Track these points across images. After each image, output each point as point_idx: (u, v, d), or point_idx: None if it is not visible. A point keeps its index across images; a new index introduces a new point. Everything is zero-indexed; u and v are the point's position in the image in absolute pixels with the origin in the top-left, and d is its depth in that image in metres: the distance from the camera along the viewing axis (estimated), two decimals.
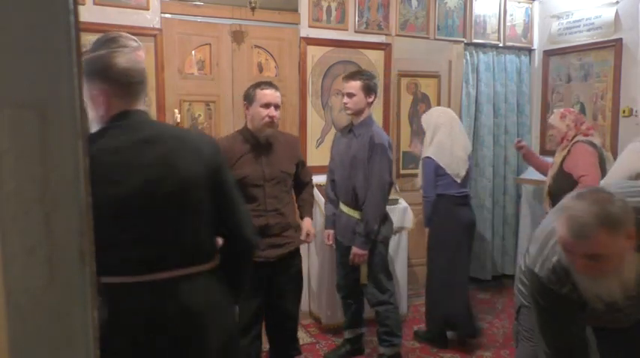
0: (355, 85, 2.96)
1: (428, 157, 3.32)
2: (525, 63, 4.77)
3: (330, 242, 3.19)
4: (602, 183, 2.63)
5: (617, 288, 1.48)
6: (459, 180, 3.29)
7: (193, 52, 3.59)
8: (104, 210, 1.31)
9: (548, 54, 4.62)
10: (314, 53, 3.92)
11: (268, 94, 2.60)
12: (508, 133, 4.70)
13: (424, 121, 3.47)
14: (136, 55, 2.00)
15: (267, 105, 2.58)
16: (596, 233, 1.38)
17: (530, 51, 4.78)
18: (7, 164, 0.38)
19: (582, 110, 4.31)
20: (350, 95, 2.97)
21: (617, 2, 4.00)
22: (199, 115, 3.64)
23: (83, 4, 3.19)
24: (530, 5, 4.72)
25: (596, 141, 3.15)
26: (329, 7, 3.95)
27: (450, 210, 3.30)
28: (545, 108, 4.65)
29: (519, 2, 4.67)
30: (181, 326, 1.45)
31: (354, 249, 2.96)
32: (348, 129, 3.11)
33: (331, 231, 3.18)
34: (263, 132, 2.60)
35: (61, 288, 0.41)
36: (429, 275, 3.48)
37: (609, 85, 4.08)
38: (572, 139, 3.13)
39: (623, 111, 3.98)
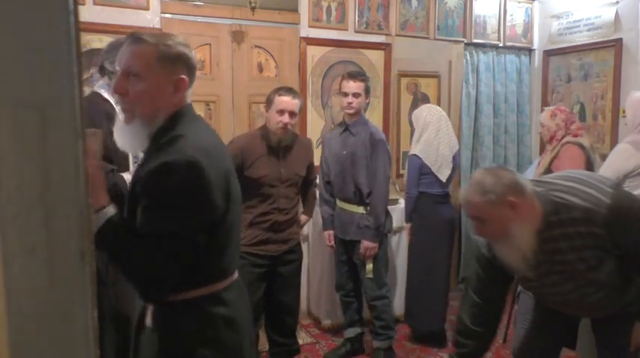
0: (361, 86, 3.04)
1: (414, 155, 3.36)
2: (525, 63, 4.77)
3: (332, 243, 3.21)
4: None
5: (516, 256, 1.73)
6: (443, 179, 3.33)
7: (193, 51, 3.58)
8: (235, 206, 1.42)
9: (548, 54, 4.62)
10: (314, 53, 3.92)
11: (284, 101, 2.64)
12: (508, 133, 4.70)
13: (414, 118, 3.51)
14: None
15: (282, 112, 2.63)
16: (471, 198, 1.71)
17: (530, 51, 4.78)
18: (7, 164, 0.38)
19: (582, 110, 4.31)
20: (356, 95, 3.03)
21: (617, 2, 4.00)
22: (199, 115, 3.63)
23: (83, 4, 3.19)
24: (530, 5, 4.72)
25: (585, 142, 3.07)
26: (329, 7, 3.95)
27: (430, 207, 3.36)
28: None
29: (519, 2, 4.67)
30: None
31: (365, 243, 2.99)
32: (343, 129, 3.15)
33: (331, 232, 3.21)
34: (276, 136, 2.67)
35: (61, 288, 0.41)
36: (409, 274, 3.52)
37: (609, 85, 4.08)
38: (561, 139, 3.07)
39: (623, 112, 3.98)
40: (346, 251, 3.14)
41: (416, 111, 3.56)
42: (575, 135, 3.08)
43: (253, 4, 3.66)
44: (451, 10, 4.38)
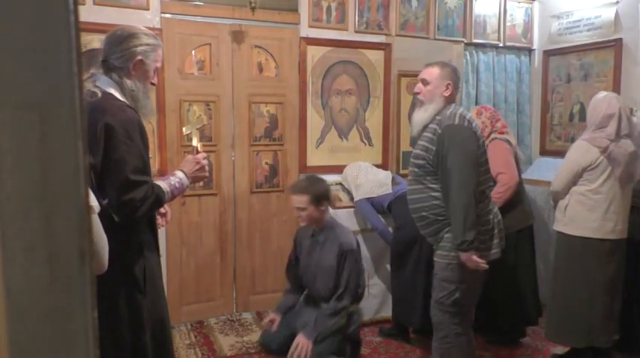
0: (303, 200, 2.88)
1: (359, 201, 3.56)
2: (525, 63, 4.77)
3: (274, 329, 3.05)
4: (553, 181, 3.03)
5: (419, 121, 2.53)
6: (390, 190, 3.50)
7: (193, 52, 3.59)
8: None
9: (548, 54, 4.62)
10: (314, 53, 3.93)
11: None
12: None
13: (343, 180, 3.82)
14: (157, 54, 1.94)
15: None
16: (431, 65, 2.57)
17: (530, 51, 4.78)
18: (7, 164, 0.38)
19: (582, 110, 4.31)
20: (301, 209, 2.90)
21: (617, 2, 4.00)
22: (199, 115, 3.64)
23: (83, 4, 3.20)
24: (530, 5, 4.72)
25: (511, 139, 3.31)
26: (329, 7, 3.95)
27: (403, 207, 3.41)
28: (546, 108, 4.65)
29: (519, 2, 4.67)
30: None
31: (300, 338, 2.85)
32: (311, 233, 3.06)
33: (278, 317, 3.09)
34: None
35: (61, 288, 0.41)
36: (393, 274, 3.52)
37: (609, 85, 4.08)
38: (488, 136, 3.22)
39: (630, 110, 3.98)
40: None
41: (345, 174, 3.81)
42: (501, 133, 3.28)
43: (253, 4, 3.66)
44: (451, 10, 4.38)
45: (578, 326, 2.95)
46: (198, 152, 2.11)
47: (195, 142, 2.17)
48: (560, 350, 3.22)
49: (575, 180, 2.90)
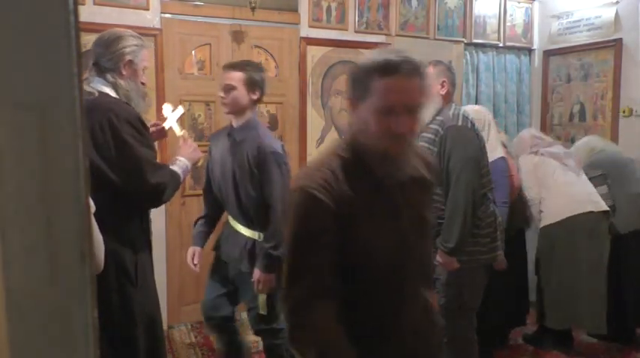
0: (237, 76, 2.34)
1: (502, 158, 3.39)
2: (525, 63, 4.77)
3: (196, 261, 2.62)
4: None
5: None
6: (498, 156, 3.41)
7: (193, 52, 3.59)
8: None
9: (548, 54, 4.62)
10: (314, 53, 3.93)
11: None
12: (508, 133, 4.68)
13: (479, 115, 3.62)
14: (143, 54, 2.02)
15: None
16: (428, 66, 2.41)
17: (530, 51, 4.78)
18: (7, 164, 0.38)
19: (582, 110, 4.31)
20: (229, 88, 2.34)
21: (617, 2, 4.00)
22: (199, 115, 3.64)
23: (83, 4, 3.20)
24: (530, 5, 4.72)
25: (502, 138, 3.37)
26: (329, 7, 3.96)
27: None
28: (546, 108, 4.65)
29: (519, 2, 4.67)
30: None
31: (259, 275, 2.34)
32: (227, 132, 2.46)
33: (198, 249, 2.64)
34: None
35: (61, 288, 0.41)
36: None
37: (609, 85, 4.08)
38: None
39: (623, 111, 3.98)
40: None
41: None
42: None
43: (253, 4, 3.66)
44: (451, 10, 4.38)
45: (565, 308, 3.15)
46: (185, 139, 2.27)
47: (179, 132, 2.33)
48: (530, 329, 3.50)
49: (538, 183, 3.25)
